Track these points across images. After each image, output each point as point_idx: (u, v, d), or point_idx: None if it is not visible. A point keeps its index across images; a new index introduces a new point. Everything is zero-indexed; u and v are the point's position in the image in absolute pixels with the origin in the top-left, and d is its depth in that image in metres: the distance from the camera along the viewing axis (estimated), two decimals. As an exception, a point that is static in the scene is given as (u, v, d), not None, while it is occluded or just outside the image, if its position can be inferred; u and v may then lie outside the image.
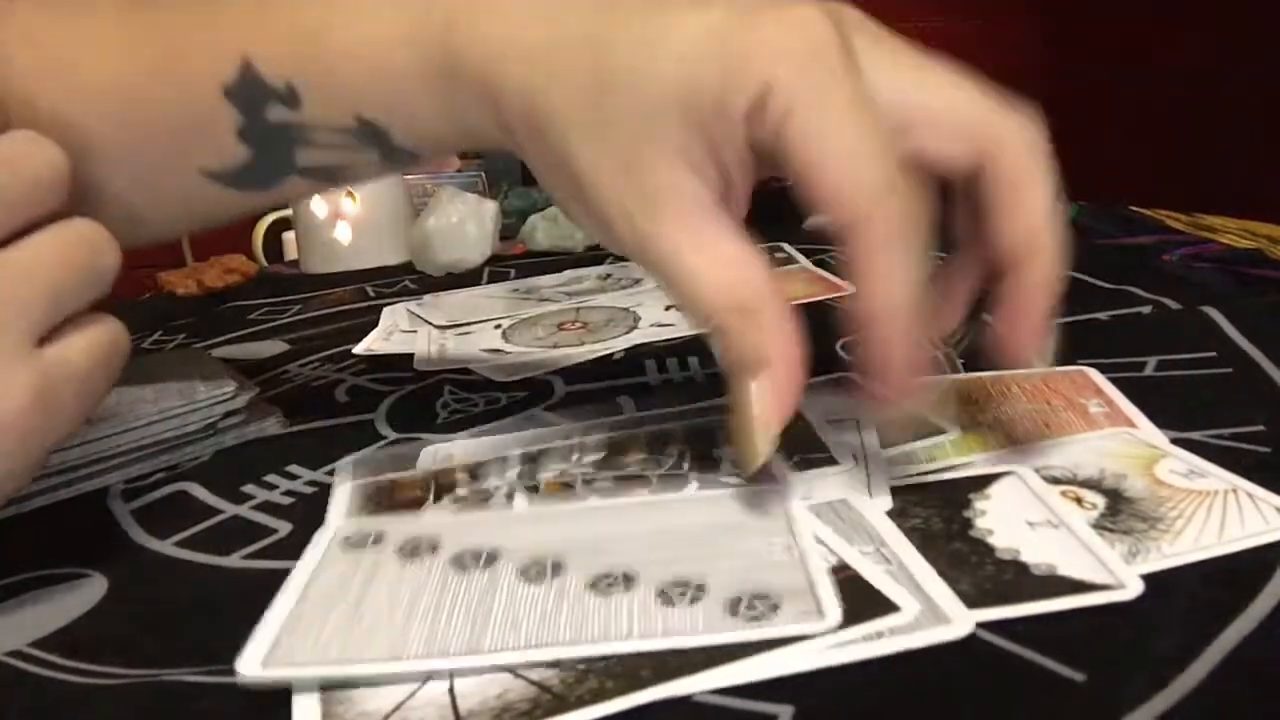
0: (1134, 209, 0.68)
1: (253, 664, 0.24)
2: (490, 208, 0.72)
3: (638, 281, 0.61)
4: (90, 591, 0.30)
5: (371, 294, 0.68)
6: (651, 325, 0.51)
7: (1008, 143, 0.29)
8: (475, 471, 0.34)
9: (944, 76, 0.29)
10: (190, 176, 0.34)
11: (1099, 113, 1.82)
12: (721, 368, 0.29)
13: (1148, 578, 0.25)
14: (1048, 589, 0.25)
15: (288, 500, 0.35)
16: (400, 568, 0.28)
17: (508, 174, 1.03)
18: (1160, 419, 0.34)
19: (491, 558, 0.28)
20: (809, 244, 0.66)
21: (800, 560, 0.26)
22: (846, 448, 0.33)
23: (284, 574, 0.29)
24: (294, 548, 0.30)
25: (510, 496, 0.32)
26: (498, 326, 0.54)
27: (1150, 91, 1.80)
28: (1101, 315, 0.46)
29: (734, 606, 0.25)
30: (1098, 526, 0.27)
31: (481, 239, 0.71)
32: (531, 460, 0.35)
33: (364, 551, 0.29)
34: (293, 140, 0.33)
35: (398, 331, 0.56)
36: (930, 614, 0.24)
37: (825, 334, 0.48)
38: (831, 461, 0.33)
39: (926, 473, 0.32)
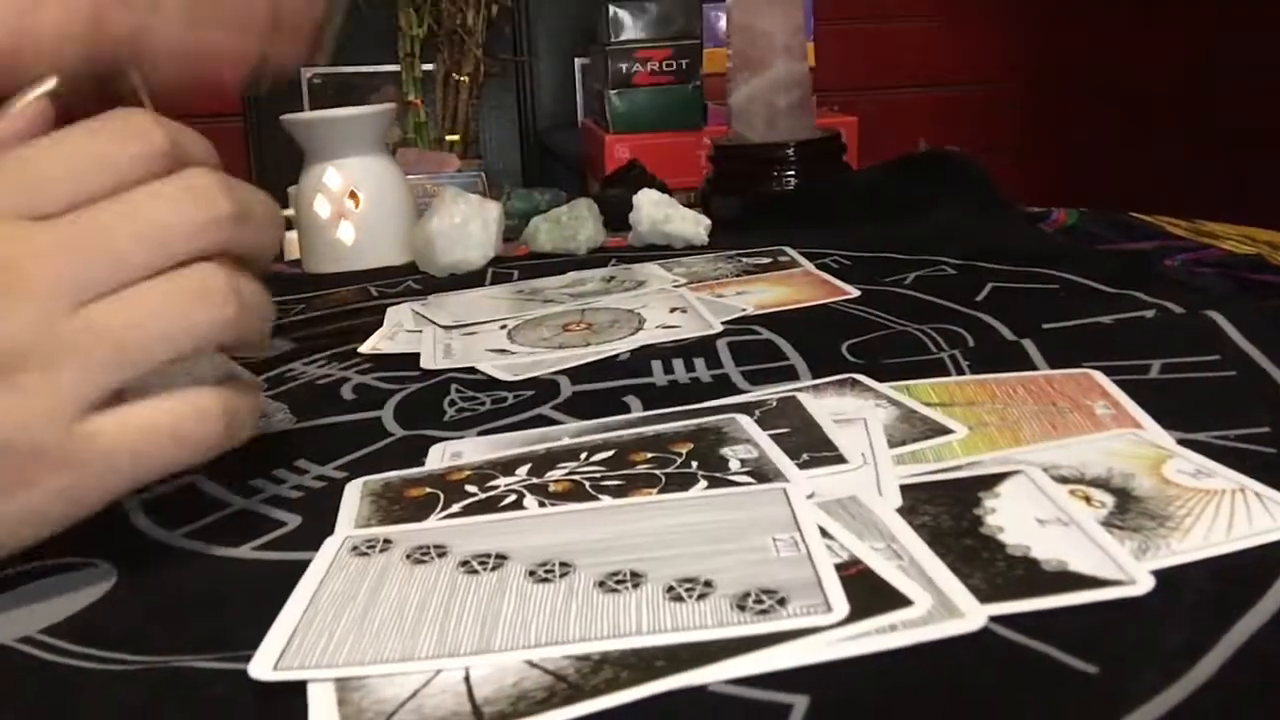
0: (1134, 215, 0.68)
1: (265, 666, 0.24)
2: (494, 209, 0.73)
3: (641, 284, 0.61)
4: (100, 581, 0.30)
5: (375, 294, 0.68)
6: (657, 327, 0.52)
7: None
8: (484, 473, 0.35)
9: None
10: None
11: (1099, 115, 1.82)
12: None
13: (1157, 574, 0.25)
14: (1059, 584, 0.25)
15: (296, 494, 0.35)
16: (409, 572, 0.28)
17: (508, 175, 1.04)
18: (1166, 420, 0.34)
19: (500, 559, 0.28)
20: (811, 247, 0.66)
21: (807, 556, 0.27)
22: (854, 447, 0.34)
23: (294, 565, 0.29)
24: (303, 540, 0.30)
25: (520, 498, 0.32)
26: (503, 327, 0.54)
27: (1150, 94, 1.81)
28: (1105, 319, 0.46)
29: (742, 601, 0.25)
30: (1107, 524, 0.27)
31: (485, 240, 0.71)
32: (540, 460, 0.35)
33: (372, 557, 0.29)
34: None
35: (403, 331, 0.56)
36: (943, 608, 0.24)
37: (828, 335, 0.48)
38: (840, 460, 0.33)
39: (935, 472, 0.32)
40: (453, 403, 0.43)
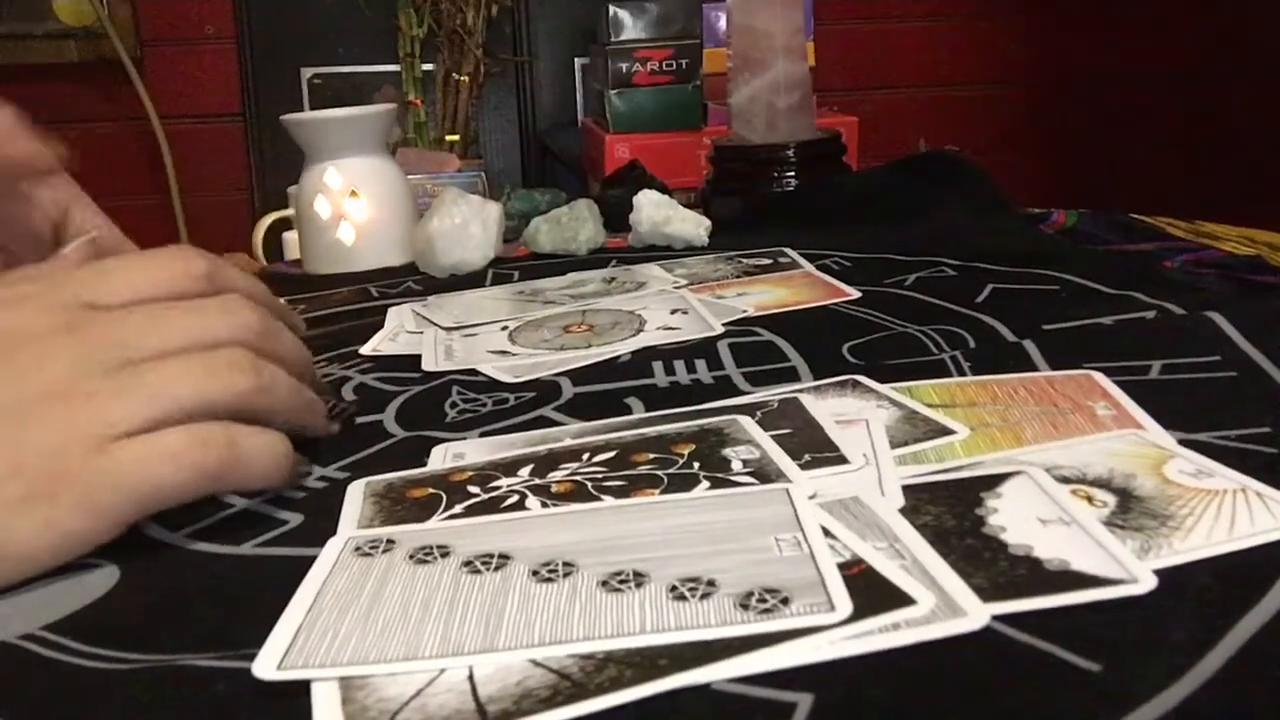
0: (1134, 216, 0.68)
1: (269, 666, 0.24)
2: (494, 210, 0.72)
3: (642, 285, 0.61)
4: (102, 580, 0.30)
5: (375, 295, 0.68)
6: (658, 328, 0.52)
7: None
8: (486, 474, 0.35)
9: None
10: None
11: (1099, 115, 1.82)
12: None
13: (1160, 573, 0.25)
14: (1062, 583, 0.25)
15: (299, 494, 0.35)
16: (412, 572, 0.28)
17: (508, 175, 1.03)
18: (1167, 421, 0.34)
19: (503, 559, 0.28)
20: (811, 249, 0.66)
21: (810, 555, 0.27)
22: (856, 448, 0.34)
23: (296, 562, 0.29)
24: (306, 537, 0.30)
25: (522, 499, 0.32)
26: (504, 328, 0.55)
27: (1150, 94, 1.81)
28: (1106, 320, 0.46)
29: (745, 601, 0.25)
30: (1109, 524, 0.28)
31: (485, 241, 0.71)
32: (542, 461, 0.35)
33: (375, 557, 0.29)
34: None
35: (404, 332, 0.56)
36: (946, 607, 0.24)
37: (829, 336, 0.48)
38: (842, 461, 0.33)
39: (937, 472, 0.32)
40: (454, 404, 0.43)
